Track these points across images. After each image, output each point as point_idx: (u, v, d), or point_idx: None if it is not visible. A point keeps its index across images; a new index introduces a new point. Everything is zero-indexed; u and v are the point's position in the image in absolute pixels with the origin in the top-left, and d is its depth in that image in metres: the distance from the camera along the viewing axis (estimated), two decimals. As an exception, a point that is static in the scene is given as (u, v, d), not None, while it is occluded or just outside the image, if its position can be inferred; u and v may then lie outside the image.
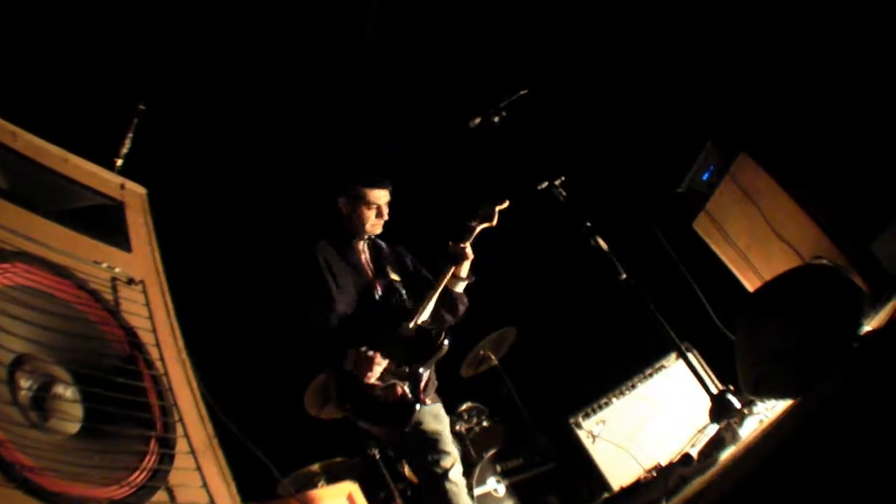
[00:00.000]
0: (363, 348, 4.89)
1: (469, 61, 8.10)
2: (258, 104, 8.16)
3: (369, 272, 5.44)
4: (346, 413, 5.10)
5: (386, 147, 8.61)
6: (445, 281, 5.22)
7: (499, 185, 5.32)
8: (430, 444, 4.84)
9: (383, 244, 5.68)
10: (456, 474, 4.81)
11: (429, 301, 5.16)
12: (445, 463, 4.79)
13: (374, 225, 5.46)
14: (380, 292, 5.37)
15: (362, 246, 5.53)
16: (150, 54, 6.99)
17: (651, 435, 6.81)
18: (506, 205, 5.56)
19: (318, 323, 5.04)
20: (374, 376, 4.85)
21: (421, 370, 4.96)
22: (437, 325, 5.20)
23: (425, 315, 5.14)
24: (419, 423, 4.88)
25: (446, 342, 5.02)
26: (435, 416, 5.10)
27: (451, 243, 5.29)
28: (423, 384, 4.98)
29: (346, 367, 4.90)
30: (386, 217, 5.47)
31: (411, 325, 5.07)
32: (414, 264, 5.69)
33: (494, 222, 5.51)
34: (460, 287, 5.36)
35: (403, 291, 5.48)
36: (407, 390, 4.85)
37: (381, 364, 4.88)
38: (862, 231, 5.22)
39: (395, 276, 5.50)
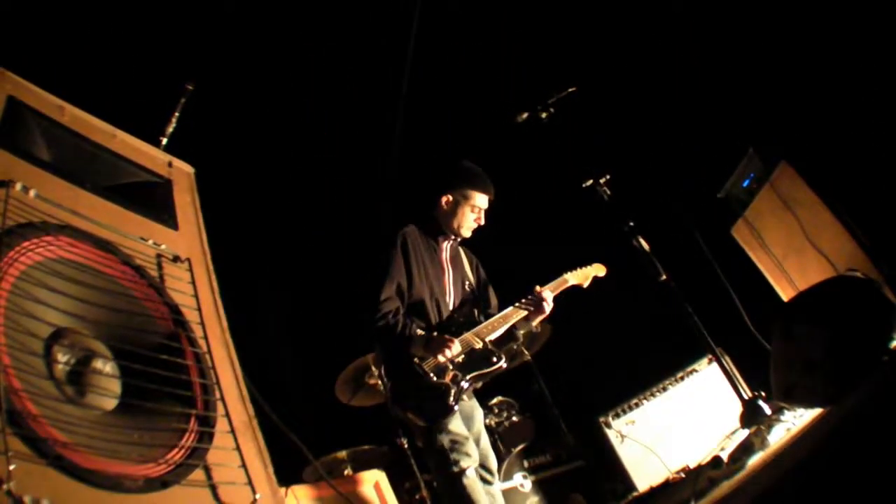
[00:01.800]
0: (446, 337, 5.02)
1: (519, 57, 8.11)
2: (307, 87, 8.18)
3: (448, 274, 5.52)
4: (384, 394, 5.20)
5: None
6: (515, 319, 5.34)
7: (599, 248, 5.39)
8: (455, 444, 4.88)
9: (465, 251, 5.77)
10: (473, 473, 4.87)
11: (498, 327, 5.29)
12: (464, 463, 4.83)
13: (469, 228, 5.54)
14: (452, 296, 5.48)
15: (445, 245, 5.60)
16: (200, 33, 7.02)
17: (679, 438, 6.82)
18: (604, 273, 5.83)
19: (384, 305, 5.09)
20: (445, 358, 4.96)
21: (467, 381, 5.04)
22: (501, 349, 5.28)
23: (495, 335, 5.26)
24: (447, 423, 4.94)
25: (504, 365, 5.15)
26: (469, 414, 5.25)
27: (537, 289, 5.44)
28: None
29: (413, 349, 5.01)
30: (483, 223, 5.56)
31: (480, 337, 5.19)
32: (486, 281, 5.77)
33: (586, 285, 5.77)
34: (523, 329, 5.50)
35: (474, 302, 5.58)
36: (452, 392, 4.90)
37: (454, 351, 4.99)
38: (896, 245, 5.22)
39: (469, 285, 5.60)
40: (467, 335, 5.16)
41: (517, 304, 5.38)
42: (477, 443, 5.16)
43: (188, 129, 3.87)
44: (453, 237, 5.59)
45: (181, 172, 3.61)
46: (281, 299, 9.15)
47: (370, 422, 7.29)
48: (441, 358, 4.96)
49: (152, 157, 3.50)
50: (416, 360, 4.97)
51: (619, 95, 7.79)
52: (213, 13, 7.10)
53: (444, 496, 5.00)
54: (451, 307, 5.44)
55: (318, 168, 8.65)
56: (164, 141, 3.69)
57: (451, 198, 5.51)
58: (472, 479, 4.83)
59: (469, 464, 4.84)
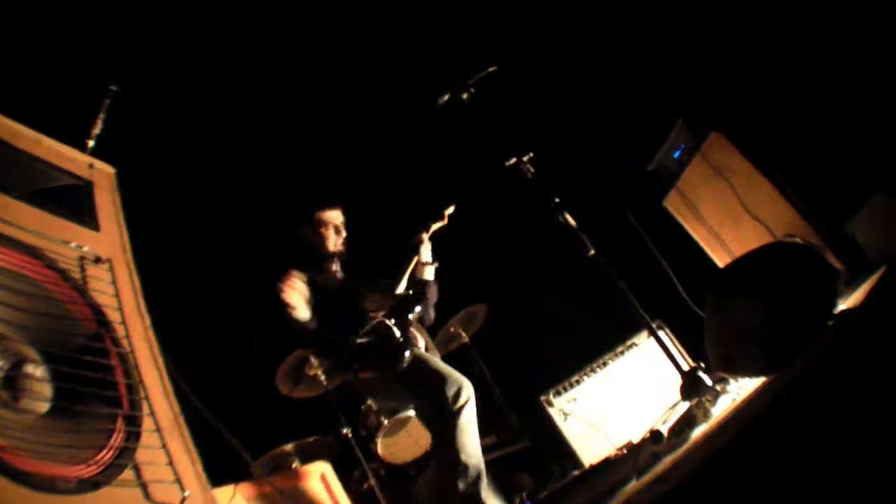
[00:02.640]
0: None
1: (438, 38, 8.08)
2: (231, 86, 8.12)
3: (342, 284, 5.69)
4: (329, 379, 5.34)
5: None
6: (414, 261, 5.60)
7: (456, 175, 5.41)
8: (440, 378, 4.96)
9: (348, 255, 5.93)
10: (470, 410, 4.95)
11: (402, 276, 5.52)
12: (463, 397, 4.91)
13: (335, 243, 5.78)
14: (360, 296, 5.56)
15: (335, 267, 5.80)
16: (123, 34, 6.93)
17: (623, 413, 6.84)
18: (452, 209, 5.89)
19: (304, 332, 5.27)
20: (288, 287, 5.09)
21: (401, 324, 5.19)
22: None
23: (401, 288, 5.48)
24: (424, 362, 5.09)
25: (419, 309, 5.37)
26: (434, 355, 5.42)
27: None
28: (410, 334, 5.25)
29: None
30: (343, 234, 5.82)
31: (391, 294, 5.43)
32: (374, 270, 5.89)
33: (445, 222, 5.85)
34: (429, 273, 5.66)
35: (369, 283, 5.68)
36: (394, 329, 5.09)
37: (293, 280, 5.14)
38: (836, 210, 5.24)
39: (363, 276, 5.74)
40: (382, 297, 5.43)
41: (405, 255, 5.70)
42: None
43: (118, 130, 3.81)
44: (333, 257, 5.82)
45: (102, 174, 3.59)
46: (217, 293, 9.07)
47: (314, 413, 7.25)
48: (288, 287, 5.10)
49: (74, 160, 3.48)
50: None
51: (542, 71, 7.78)
52: (136, 13, 7.01)
53: (441, 428, 4.99)
54: (364, 305, 5.52)
55: (241, 164, 8.62)
56: (91, 143, 3.67)
57: (309, 228, 5.84)
58: (467, 420, 4.91)
59: (466, 397, 4.93)
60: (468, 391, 4.93)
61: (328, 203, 5.87)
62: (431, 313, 5.69)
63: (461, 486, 4.78)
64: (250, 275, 8.25)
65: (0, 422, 2.28)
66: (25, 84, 5.89)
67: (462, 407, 4.84)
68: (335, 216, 5.84)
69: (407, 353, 4.98)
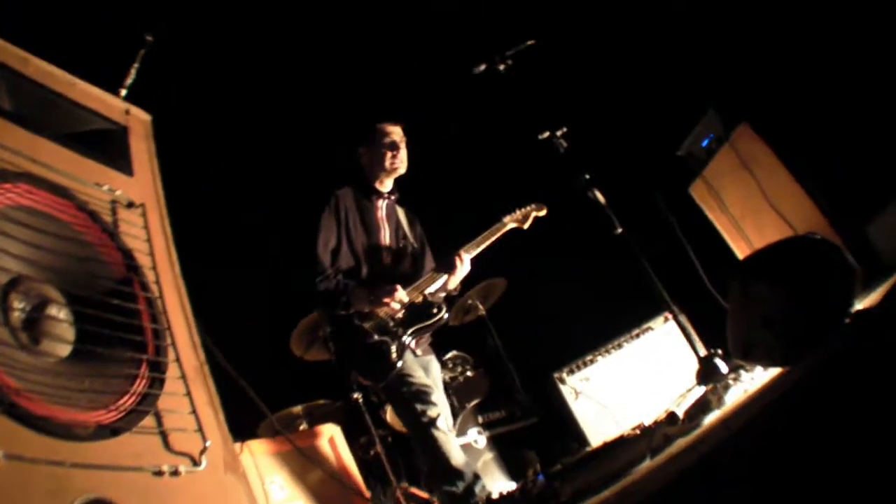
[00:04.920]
0: (388, 285, 5.09)
1: (476, 8, 8.06)
2: (267, 39, 8.12)
3: (384, 231, 5.57)
4: (330, 356, 5.22)
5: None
6: (440, 282, 5.37)
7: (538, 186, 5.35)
8: (419, 394, 4.90)
9: (404, 210, 5.81)
10: (443, 423, 4.87)
11: (431, 283, 5.34)
12: (431, 413, 4.84)
13: (392, 161, 5.55)
14: (390, 253, 5.54)
15: (381, 203, 5.63)
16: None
17: (634, 395, 6.86)
18: (544, 212, 5.86)
19: (320, 267, 5.18)
20: (392, 308, 5.06)
21: (410, 335, 5.11)
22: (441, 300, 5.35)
23: (432, 288, 5.33)
24: (409, 375, 4.97)
25: (445, 316, 5.24)
26: (425, 368, 5.25)
27: (460, 253, 5.43)
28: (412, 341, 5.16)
29: (355, 304, 5.08)
30: (402, 150, 5.58)
31: (419, 290, 5.26)
32: (422, 240, 5.82)
33: (526, 226, 5.78)
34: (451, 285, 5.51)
35: (412, 259, 5.64)
36: (393, 349, 4.97)
37: (399, 295, 5.07)
38: (858, 212, 5.24)
39: (408, 242, 5.67)
40: (408, 290, 5.21)
41: (438, 268, 5.46)
42: None
43: (148, 81, 3.81)
44: (388, 195, 5.67)
45: (138, 120, 3.56)
46: (239, 249, 9.10)
47: (326, 376, 7.27)
48: (387, 307, 5.05)
49: (110, 104, 3.45)
50: (356, 321, 5.04)
51: (579, 49, 7.76)
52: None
53: (417, 448, 5.02)
54: (388, 263, 5.50)
55: (275, 120, 8.61)
56: (124, 92, 3.65)
57: (364, 148, 5.63)
58: (442, 430, 4.85)
59: (435, 413, 4.87)
60: (439, 408, 4.93)
61: (388, 117, 5.65)
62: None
63: (461, 487, 4.82)
64: (281, 221, 8.31)
65: (17, 365, 2.24)
66: (60, 29, 5.90)
67: (433, 420, 4.84)
68: (395, 131, 5.63)
69: (392, 374, 4.94)
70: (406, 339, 5.06)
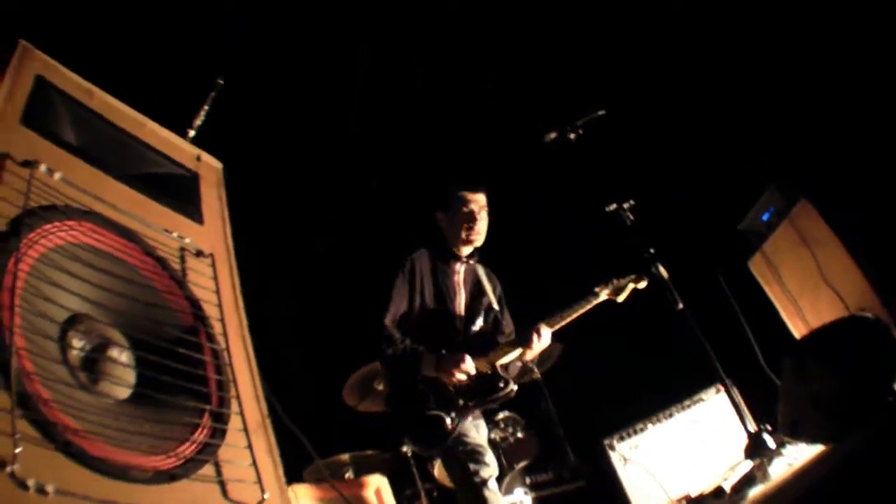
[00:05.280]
0: (457, 354, 4.97)
1: (549, 77, 8.13)
2: (339, 91, 8.23)
3: (460, 297, 5.44)
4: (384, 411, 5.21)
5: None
6: (514, 354, 5.22)
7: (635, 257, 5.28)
8: (473, 454, 4.87)
9: (486, 272, 5.65)
10: (494, 484, 4.84)
11: (504, 355, 5.19)
12: (485, 473, 4.80)
13: (468, 233, 5.37)
14: (465, 319, 5.41)
15: (459, 268, 5.49)
16: (233, 25, 7.05)
17: (683, 465, 6.81)
18: (644, 284, 5.56)
19: (387, 335, 5.06)
20: (458, 378, 4.95)
21: (471, 406, 5.03)
22: (512, 373, 5.27)
23: (505, 360, 5.19)
24: (464, 435, 4.93)
25: (513, 390, 5.10)
26: (477, 428, 5.17)
27: (542, 324, 5.25)
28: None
29: (423, 369, 4.97)
30: (482, 221, 5.40)
31: (490, 362, 5.15)
32: (500, 301, 5.65)
33: (621, 299, 5.55)
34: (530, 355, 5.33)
35: (491, 324, 5.52)
36: (448, 422, 4.90)
37: (466, 365, 4.95)
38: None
39: (487, 308, 5.52)
40: (479, 359, 5.10)
41: (518, 339, 5.27)
42: None
43: (215, 124, 3.85)
44: (466, 258, 5.49)
45: (209, 167, 3.60)
46: (296, 297, 9.18)
47: (376, 427, 7.29)
48: (454, 378, 4.95)
49: (181, 149, 3.49)
50: (420, 386, 4.98)
51: (646, 122, 7.80)
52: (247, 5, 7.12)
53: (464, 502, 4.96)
54: (463, 330, 5.37)
55: (343, 167, 8.69)
56: (192, 133, 3.66)
57: (443, 213, 5.45)
58: (493, 491, 4.80)
59: (489, 473, 4.82)
60: (491, 469, 4.87)
61: (472, 183, 5.40)
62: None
63: None
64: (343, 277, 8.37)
65: (75, 404, 2.23)
66: (131, 69, 6.00)
67: (485, 481, 4.78)
68: (478, 199, 5.39)
69: (441, 448, 4.91)
70: (467, 413, 4.98)
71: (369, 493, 5.55)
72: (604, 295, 5.51)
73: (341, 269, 8.69)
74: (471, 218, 5.35)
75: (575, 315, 5.38)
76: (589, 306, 5.44)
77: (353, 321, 5.54)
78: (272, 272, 8.30)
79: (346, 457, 7.21)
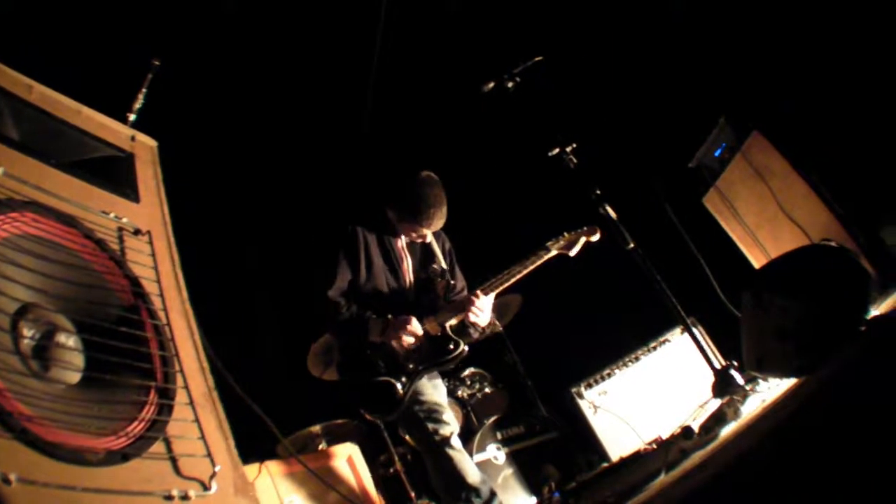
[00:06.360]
0: (402, 317, 4.95)
1: (484, 27, 8.07)
2: (272, 63, 8.13)
3: (406, 262, 5.40)
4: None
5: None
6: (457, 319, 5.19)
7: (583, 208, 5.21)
8: (431, 414, 4.89)
9: (435, 234, 5.57)
10: (457, 441, 4.84)
11: (452, 316, 5.17)
12: (445, 431, 4.82)
13: (411, 241, 5.40)
14: (411, 284, 5.38)
15: (400, 243, 5.42)
16: (166, 8, 6.95)
17: (652, 408, 6.83)
18: (597, 237, 5.56)
19: (333, 306, 5.04)
20: (406, 341, 4.93)
21: (422, 369, 5.02)
22: (462, 335, 5.21)
23: (453, 321, 5.17)
24: (419, 394, 4.95)
25: (464, 351, 5.10)
26: (434, 387, 5.17)
27: (478, 291, 5.18)
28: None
29: (370, 336, 4.96)
30: (423, 240, 5.42)
31: (439, 322, 5.12)
32: (451, 255, 5.63)
33: (573, 253, 5.53)
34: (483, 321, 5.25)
35: (442, 287, 5.46)
36: (399, 387, 4.90)
37: (413, 327, 4.93)
38: (872, 217, 5.22)
39: (435, 270, 5.45)
40: (426, 322, 5.08)
41: (461, 302, 5.22)
42: None
43: (157, 105, 3.84)
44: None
45: (144, 146, 3.59)
46: (254, 273, 9.12)
47: (344, 396, 7.26)
48: (402, 341, 4.93)
49: (115, 131, 3.48)
50: (367, 352, 4.97)
51: (588, 64, 7.76)
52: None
53: (431, 467, 4.97)
54: (410, 295, 5.35)
55: (279, 143, 8.66)
56: (132, 117, 3.67)
57: (394, 214, 5.32)
58: (456, 449, 4.83)
59: (450, 431, 4.85)
60: (452, 427, 4.91)
61: (428, 217, 5.12)
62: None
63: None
64: (287, 247, 8.30)
65: (28, 391, 2.26)
66: (66, 56, 5.92)
67: (446, 439, 4.82)
68: (430, 232, 5.35)
69: (395, 413, 4.92)
70: (417, 375, 4.98)
71: (341, 463, 5.50)
72: (555, 250, 5.49)
73: (293, 237, 8.61)
74: (419, 237, 5.37)
75: (525, 272, 5.34)
76: (540, 262, 5.41)
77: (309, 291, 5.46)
78: (226, 246, 8.24)
79: (317, 428, 7.19)
